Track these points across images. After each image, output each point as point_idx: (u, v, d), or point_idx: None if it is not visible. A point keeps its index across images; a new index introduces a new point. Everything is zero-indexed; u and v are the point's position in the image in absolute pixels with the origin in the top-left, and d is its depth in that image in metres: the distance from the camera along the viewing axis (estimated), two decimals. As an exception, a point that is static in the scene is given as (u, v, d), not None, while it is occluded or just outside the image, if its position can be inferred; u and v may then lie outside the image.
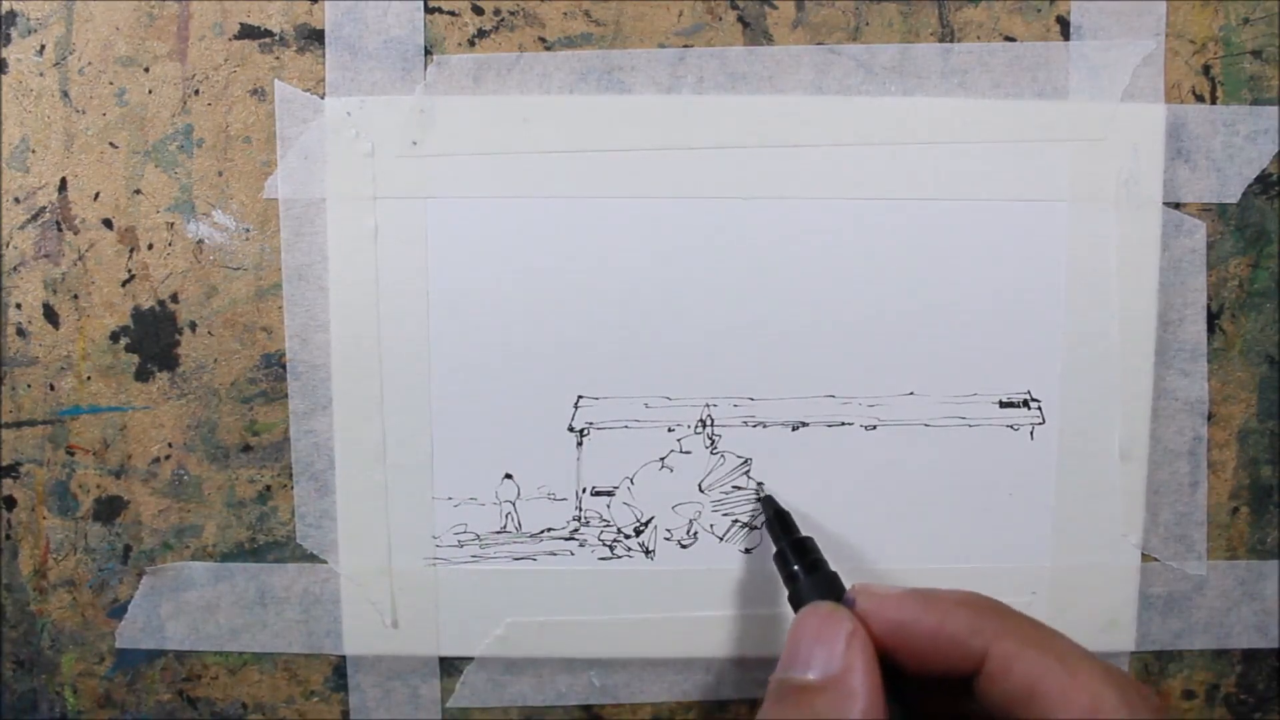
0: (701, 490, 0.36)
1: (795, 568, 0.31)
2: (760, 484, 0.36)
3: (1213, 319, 0.36)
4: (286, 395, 0.36)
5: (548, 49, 0.35)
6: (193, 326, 0.36)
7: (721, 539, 0.36)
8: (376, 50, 0.35)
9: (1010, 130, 0.35)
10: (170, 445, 0.36)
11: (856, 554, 0.36)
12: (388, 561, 0.36)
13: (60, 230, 0.36)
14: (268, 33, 0.35)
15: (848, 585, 0.29)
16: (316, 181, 0.35)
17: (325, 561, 0.37)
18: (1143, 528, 0.36)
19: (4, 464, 0.37)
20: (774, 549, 0.33)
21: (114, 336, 0.36)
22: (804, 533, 0.33)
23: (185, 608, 0.37)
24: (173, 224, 0.36)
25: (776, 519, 0.34)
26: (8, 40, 0.35)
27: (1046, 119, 0.35)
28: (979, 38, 0.35)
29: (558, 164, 0.35)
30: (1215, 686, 0.38)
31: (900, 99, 0.35)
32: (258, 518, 0.37)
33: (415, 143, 0.35)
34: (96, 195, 0.36)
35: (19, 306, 0.36)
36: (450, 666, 0.37)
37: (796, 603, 0.30)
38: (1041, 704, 0.24)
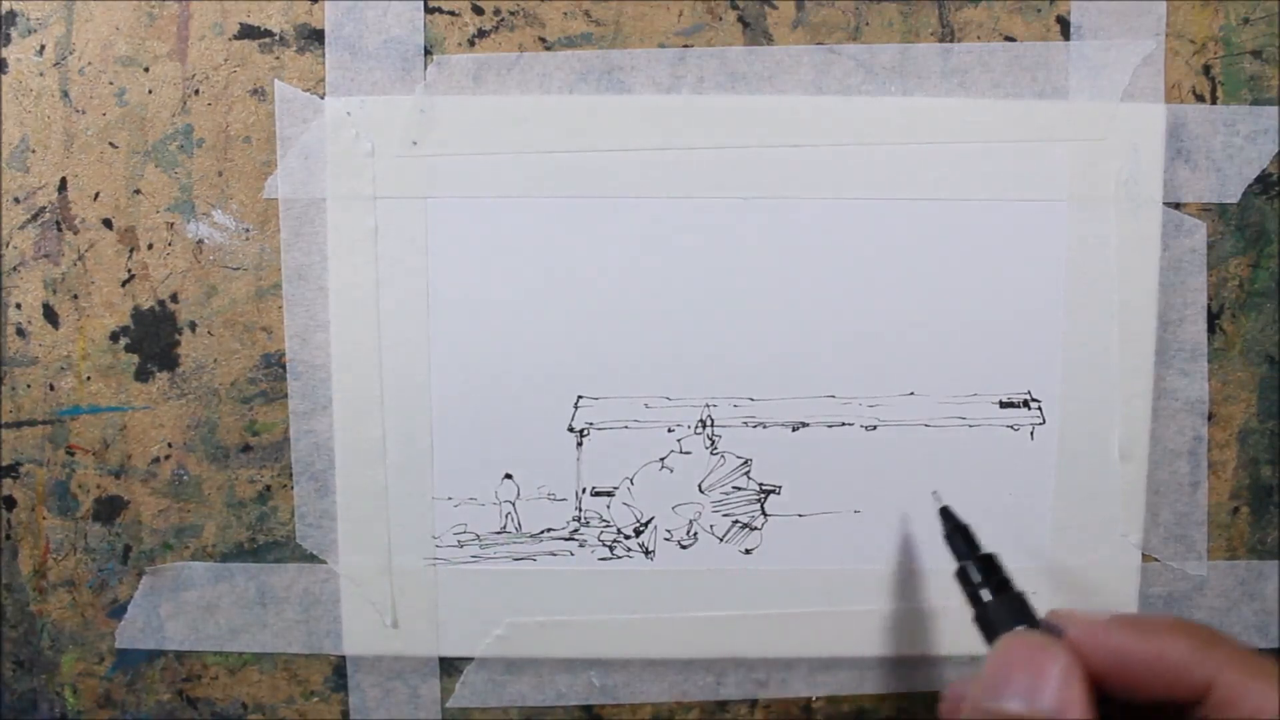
0: (701, 490, 0.36)
1: (983, 589, 0.30)
2: (935, 492, 0.35)
3: (1213, 319, 0.36)
4: (286, 395, 0.36)
5: (548, 49, 0.35)
6: (193, 326, 0.36)
7: (721, 539, 0.36)
8: (376, 50, 0.35)
9: (1010, 130, 0.35)
10: (170, 445, 0.36)
11: (857, 554, 0.36)
12: (388, 561, 0.36)
13: (60, 230, 0.36)
14: (268, 33, 0.35)
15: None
16: (316, 181, 0.35)
17: (325, 561, 0.37)
18: (1143, 528, 0.36)
19: (4, 464, 0.37)
20: (955, 565, 0.31)
21: (114, 336, 0.36)
22: (984, 548, 0.32)
23: (185, 608, 0.37)
24: (173, 224, 0.36)
25: (959, 533, 0.32)
26: (8, 40, 0.35)
27: (1046, 119, 0.35)
28: (979, 38, 0.35)
29: (558, 164, 0.35)
30: (1215, 686, 0.38)
31: (900, 99, 0.35)
32: (258, 518, 0.37)
33: (415, 143, 0.35)
34: (96, 195, 0.36)
35: (19, 306, 0.36)
36: (450, 666, 0.37)
37: (986, 623, 0.29)
38: None
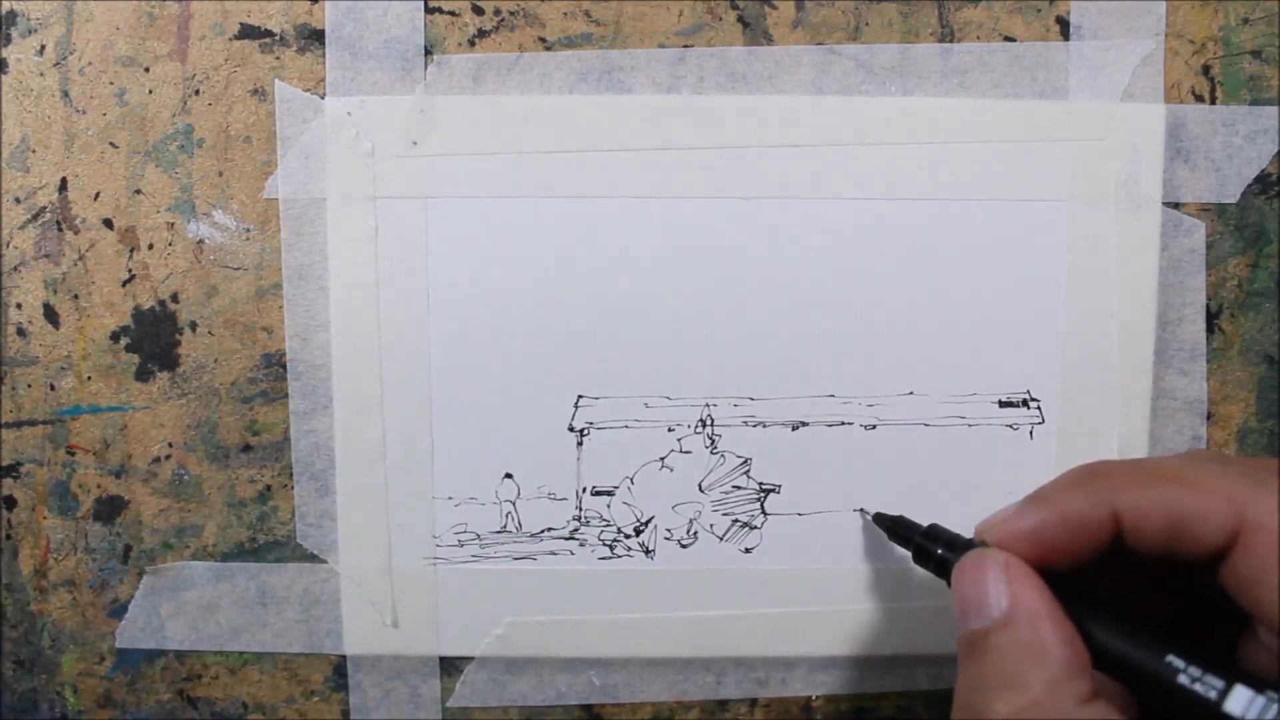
0: (701, 490, 0.36)
1: (940, 552, 0.30)
2: (861, 510, 0.36)
3: (1212, 319, 0.36)
4: (286, 395, 0.36)
5: (548, 49, 0.35)
6: (193, 326, 0.36)
7: (721, 539, 0.36)
8: (376, 50, 0.35)
9: (1010, 130, 0.35)
10: (170, 445, 0.36)
11: (857, 554, 0.36)
12: (388, 561, 0.36)
13: (60, 230, 0.36)
14: (268, 33, 0.35)
15: None
16: (316, 181, 0.35)
17: (325, 561, 0.37)
18: (1142, 527, 0.36)
19: (4, 464, 0.37)
20: (910, 555, 0.32)
21: (114, 336, 0.36)
22: (921, 523, 0.32)
23: (185, 608, 0.37)
24: (173, 224, 0.36)
25: (898, 525, 0.33)
26: (8, 40, 0.35)
27: (1046, 119, 0.35)
28: (979, 38, 0.35)
29: (558, 164, 0.35)
30: (1214, 686, 0.38)
31: (900, 99, 0.35)
32: (258, 517, 0.37)
33: (415, 143, 0.35)
34: (97, 195, 0.36)
35: (19, 306, 0.36)
36: (450, 666, 0.37)
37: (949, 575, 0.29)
38: (1191, 531, 0.24)
